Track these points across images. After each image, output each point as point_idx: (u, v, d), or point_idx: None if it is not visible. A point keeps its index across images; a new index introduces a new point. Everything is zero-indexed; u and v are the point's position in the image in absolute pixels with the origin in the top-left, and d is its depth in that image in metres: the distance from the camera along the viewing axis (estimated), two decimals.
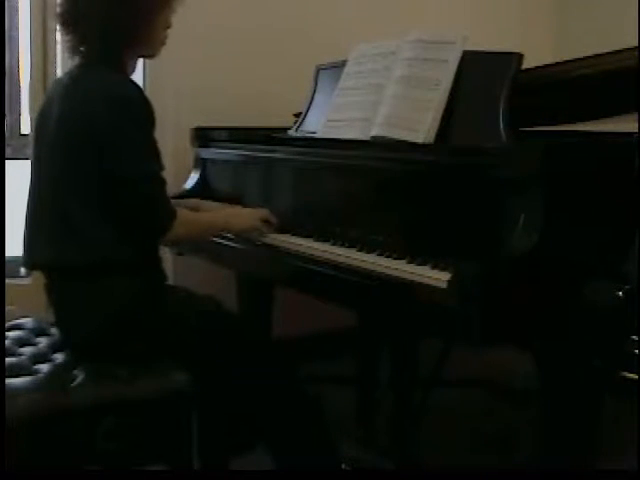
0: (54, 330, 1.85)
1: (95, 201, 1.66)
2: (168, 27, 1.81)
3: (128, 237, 1.69)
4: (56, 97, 1.75)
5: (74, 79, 1.74)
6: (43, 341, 1.83)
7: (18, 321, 1.93)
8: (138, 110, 1.68)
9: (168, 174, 1.75)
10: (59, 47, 2.84)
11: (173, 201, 1.80)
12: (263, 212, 1.96)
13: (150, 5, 1.74)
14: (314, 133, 2.18)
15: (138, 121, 1.68)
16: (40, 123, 1.78)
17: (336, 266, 1.70)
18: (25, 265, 1.82)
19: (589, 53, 1.79)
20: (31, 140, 1.79)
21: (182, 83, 2.71)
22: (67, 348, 1.75)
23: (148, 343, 1.71)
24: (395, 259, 1.61)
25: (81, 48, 1.75)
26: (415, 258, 1.57)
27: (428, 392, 2.23)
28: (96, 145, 1.64)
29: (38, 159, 1.78)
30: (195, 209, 2.02)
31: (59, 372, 1.65)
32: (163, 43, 1.82)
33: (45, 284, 1.77)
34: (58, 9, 1.76)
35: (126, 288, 1.69)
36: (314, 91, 2.33)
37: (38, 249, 1.75)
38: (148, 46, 1.80)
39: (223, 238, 2.03)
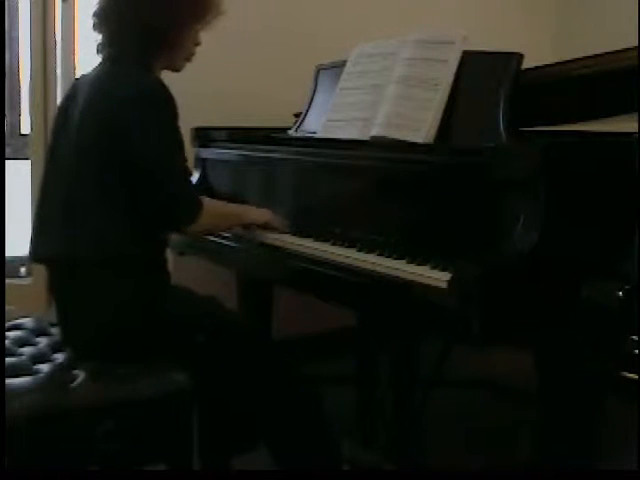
0: (54, 330, 1.85)
1: (117, 195, 1.67)
2: (197, 44, 1.86)
3: (149, 232, 1.71)
4: (81, 92, 1.76)
5: (101, 75, 1.77)
6: (43, 341, 1.83)
7: (18, 321, 1.93)
8: (165, 105, 1.70)
9: None
10: (59, 47, 2.85)
11: None
12: (276, 217, 1.97)
13: (186, 16, 1.79)
14: (314, 133, 2.18)
15: (165, 115, 1.70)
16: (62, 117, 1.80)
17: (336, 266, 1.70)
18: (32, 257, 1.82)
19: (589, 53, 1.79)
20: (49, 134, 1.82)
21: (182, 83, 2.70)
22: (68, 345, 1.76)
23: (149, 342, 1.72)
24: (395, 259, 1.61)
25: (110, 48, 1.78)
26: (415, 258, 1.57)
27: (428, 392, 2.23)
28: (122, 139, 1.66)
29: (54, 152, 1.79)
30: None
31: (59, 372, 1.65)
32: (189, 59, 1.87)
33: (49, 279, 1.77)
34: (96, 7, 1.79)
35: (131, 286, 1.70)
36: (314, 91, 2.33)
37: (48, 241, 1.74)
38: (176, 58, 1.84)
39: (223, 238, 2.03)
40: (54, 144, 1.81)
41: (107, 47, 1.79)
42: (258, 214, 1.96)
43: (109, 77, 1.75)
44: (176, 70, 1.88)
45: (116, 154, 1.66)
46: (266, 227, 1.94)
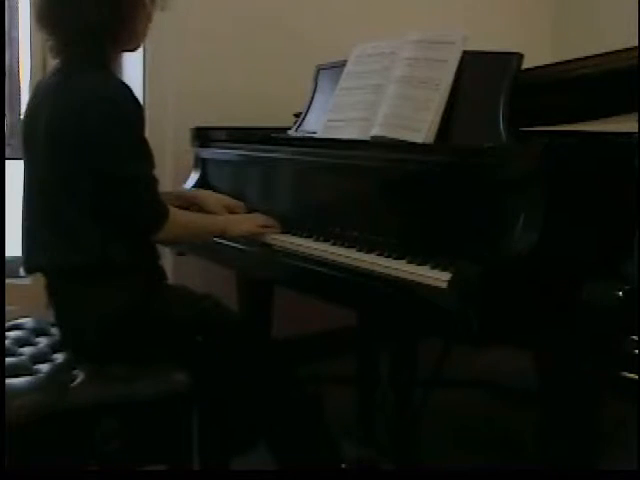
0: (54, 330, 1.85)
1: (87, 202, 1.66)
2: (149, 21, 1.81)
3: (121, 237, 1.69)
4: (43, 99, 1.73)
5: (61, 80, 1.72)
6: (43, 341, 1.83)
7: (18, 321, 1.93)
8: (125, 109, 1.67)
9: (168, 174, 1.75)
10: None
11: (174, 191, 1.79)
12: (262, 218, 1.95)
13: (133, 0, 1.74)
14: (314, 133, 2.18)
15: (125, 120, 1.67)
16: (28, 126, 1.76)
17: (336, 266, 1.70)
18: (24, 269, 1.81)
19: (589, 53, 1.79)
20: (20, 144, 1.80)
21: (182, 83, 2.71)
22: (67, 348, 1.76)
23: (147, 342, 1.71)
24: (395, 259, 1.60)
25: (65, 48, 1.72)
26: (415, 258, 1.57)
27: (428, 392, 2.23)
28: (85, 146, 1.63)
29: (28, 162, 1.77)
30: (193, 199, 2.05)
31: (59, 372, 1.65)
32: (144, 35, 1.82)
33: (46, 285, 1.77)
34: (35, 11, 1.72)
35: (124, 288, 1.69)
36: (314, 91, 2.33)
37: (35, 252, 1.75)
38: (131, 40, 1.79)
39: (223, 238, 2.03)
40: (26, 153, 1.77)
41: (63, 49, 1.72)
42: (241, 230, 1.92)
43: (69, 81, 1.69)
44: (133, 50, 1.84)
45: (80, 161, 1.64)
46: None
